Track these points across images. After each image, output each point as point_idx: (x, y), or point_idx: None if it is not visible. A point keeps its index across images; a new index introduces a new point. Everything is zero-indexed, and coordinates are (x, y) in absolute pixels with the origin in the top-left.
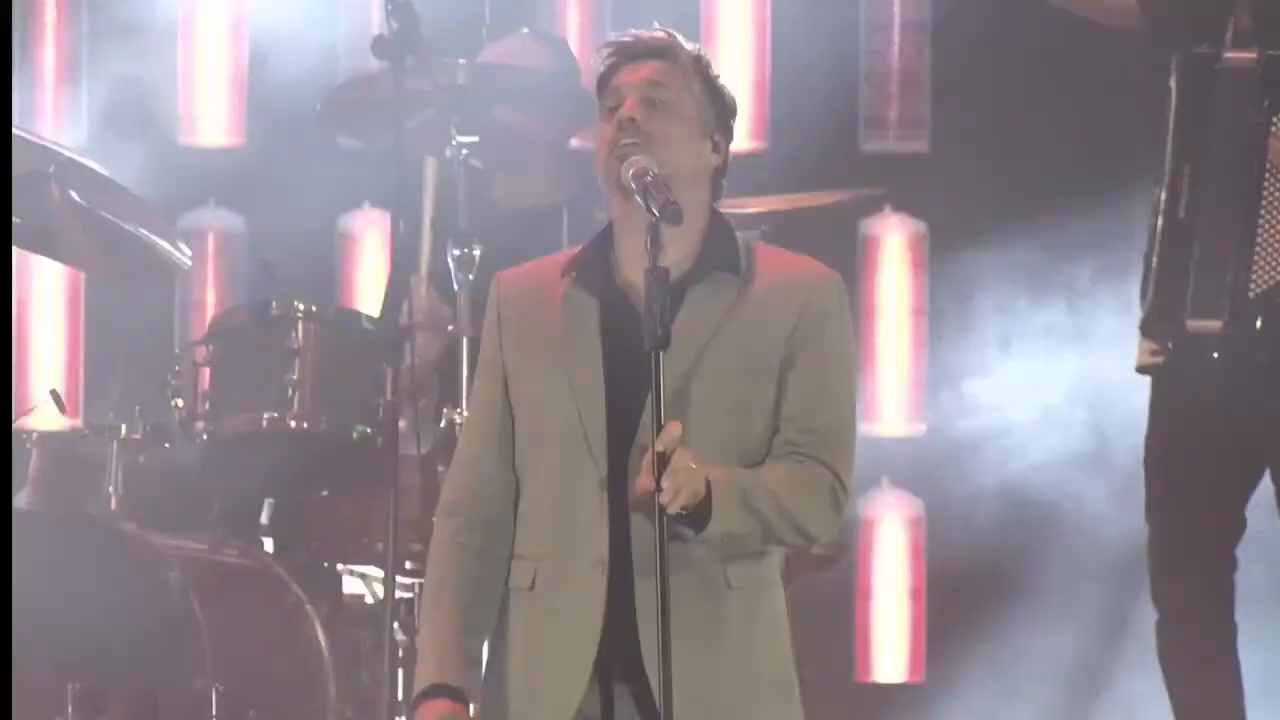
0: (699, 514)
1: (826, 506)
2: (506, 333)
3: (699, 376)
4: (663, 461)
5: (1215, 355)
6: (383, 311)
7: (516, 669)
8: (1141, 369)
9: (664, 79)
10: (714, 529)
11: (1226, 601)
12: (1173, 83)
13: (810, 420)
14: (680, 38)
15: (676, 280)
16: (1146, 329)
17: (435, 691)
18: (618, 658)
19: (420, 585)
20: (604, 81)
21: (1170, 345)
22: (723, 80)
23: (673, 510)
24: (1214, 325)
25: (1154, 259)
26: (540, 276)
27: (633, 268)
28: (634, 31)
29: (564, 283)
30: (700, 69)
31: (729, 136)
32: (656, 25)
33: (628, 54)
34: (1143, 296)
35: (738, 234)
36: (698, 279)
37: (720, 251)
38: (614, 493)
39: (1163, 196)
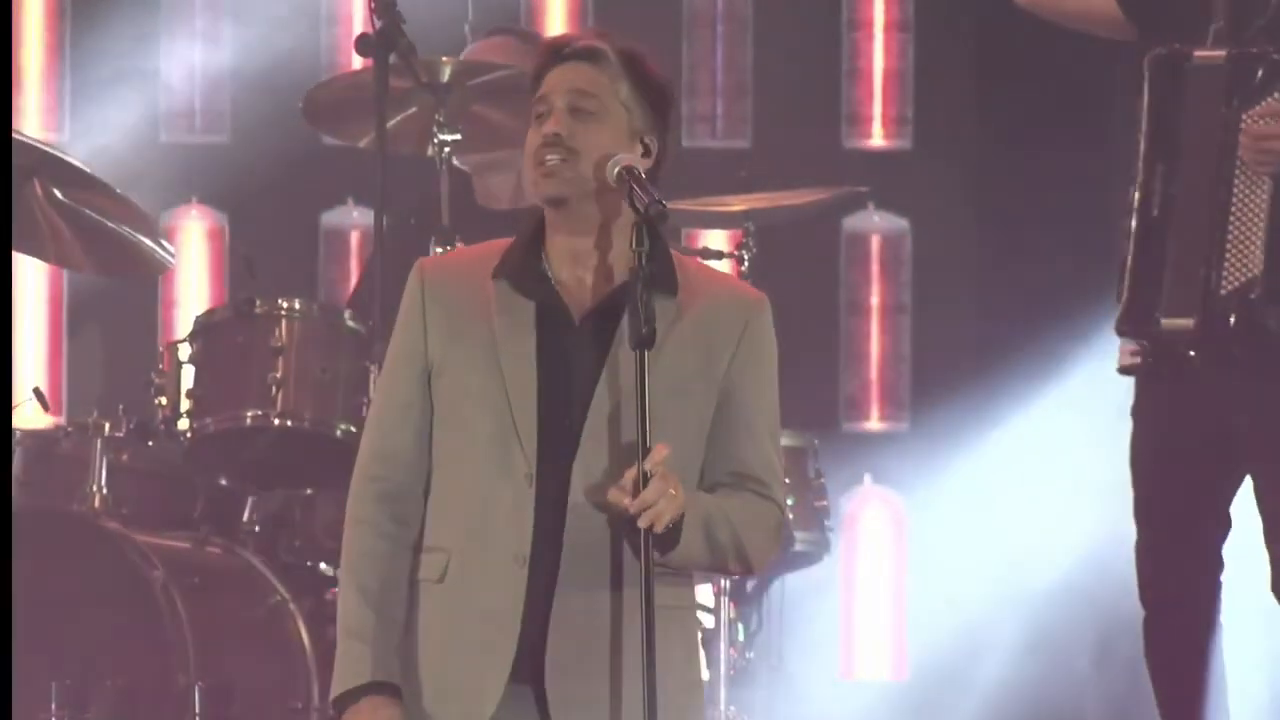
0: (669, 536)
1: (774, 543)
2: (433, 325)
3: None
4: (644, 480)
5: (1191, 354)
6: (351, 299)
7: (429, 665)
8: (1124, 370)
9: (590, 87)
10: (679, 552)
11: (1212, 600)
12: (1145, 83)
13: (767, 458)
14: (612, 38)
15: (618, 294)
16: (1121, 328)
17: (375, 689)
18: (533, 658)
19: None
20: (534, 81)
21: (1146, 345)
22: (658, 76)
23: (659, 529)
24: (1186, 323)
25: (1128, 258)
26: (467, 270)
27: (566, 268)
28: (568, 34)
29: (495, 281)
30: (630, 69)
31: (663, 135)
32: (590, 28)
33: (557, 55)
34: (1118, 297)
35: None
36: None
37: (659, 268)
38: (542, 490)
39: (1136, 196)
